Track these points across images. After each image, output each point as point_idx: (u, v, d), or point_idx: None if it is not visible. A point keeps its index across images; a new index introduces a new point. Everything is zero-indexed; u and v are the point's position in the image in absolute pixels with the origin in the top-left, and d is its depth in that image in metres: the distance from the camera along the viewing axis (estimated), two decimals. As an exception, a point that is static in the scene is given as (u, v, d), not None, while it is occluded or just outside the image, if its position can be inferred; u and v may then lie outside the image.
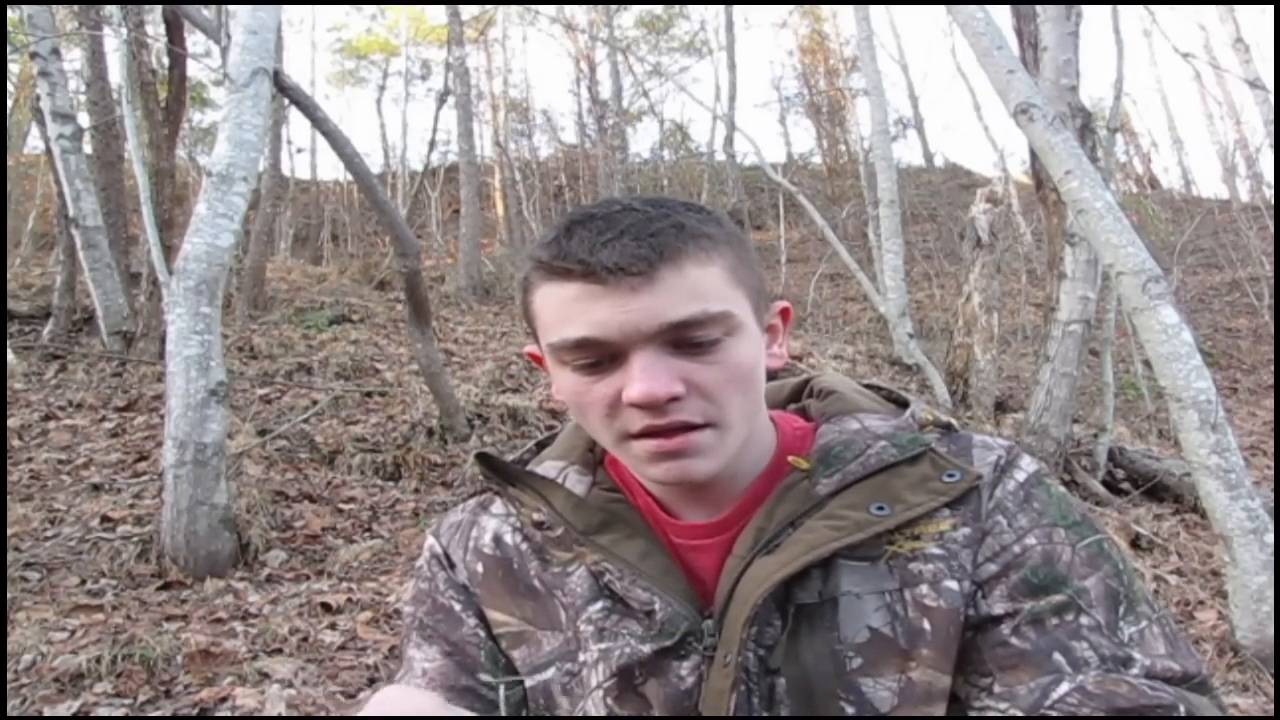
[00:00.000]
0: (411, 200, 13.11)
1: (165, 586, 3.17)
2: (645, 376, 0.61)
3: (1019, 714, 0.60)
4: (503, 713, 0.52)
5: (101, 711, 2.27)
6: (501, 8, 15.17)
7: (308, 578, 3.37)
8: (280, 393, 5.65)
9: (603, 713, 0.67)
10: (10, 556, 3.20)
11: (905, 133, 20.11)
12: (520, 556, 0.75)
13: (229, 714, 2.30)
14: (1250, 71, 11.13)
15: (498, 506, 0.78)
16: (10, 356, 5.64)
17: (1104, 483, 5.03)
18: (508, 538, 0.76)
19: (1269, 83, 10.35)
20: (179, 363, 3.34)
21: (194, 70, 11.31)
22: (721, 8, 15.28)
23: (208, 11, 5.80)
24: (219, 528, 3.33)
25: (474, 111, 12.89)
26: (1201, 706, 0.59)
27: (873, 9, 9.29)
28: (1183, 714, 0.58)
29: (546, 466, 0.77)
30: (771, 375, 0.76)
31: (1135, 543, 4.01)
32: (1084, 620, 0.62)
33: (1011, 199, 11.50)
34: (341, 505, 4.16)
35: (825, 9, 19.85)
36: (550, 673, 0.70)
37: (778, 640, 0.65)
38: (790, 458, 0.71)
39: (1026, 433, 5.02)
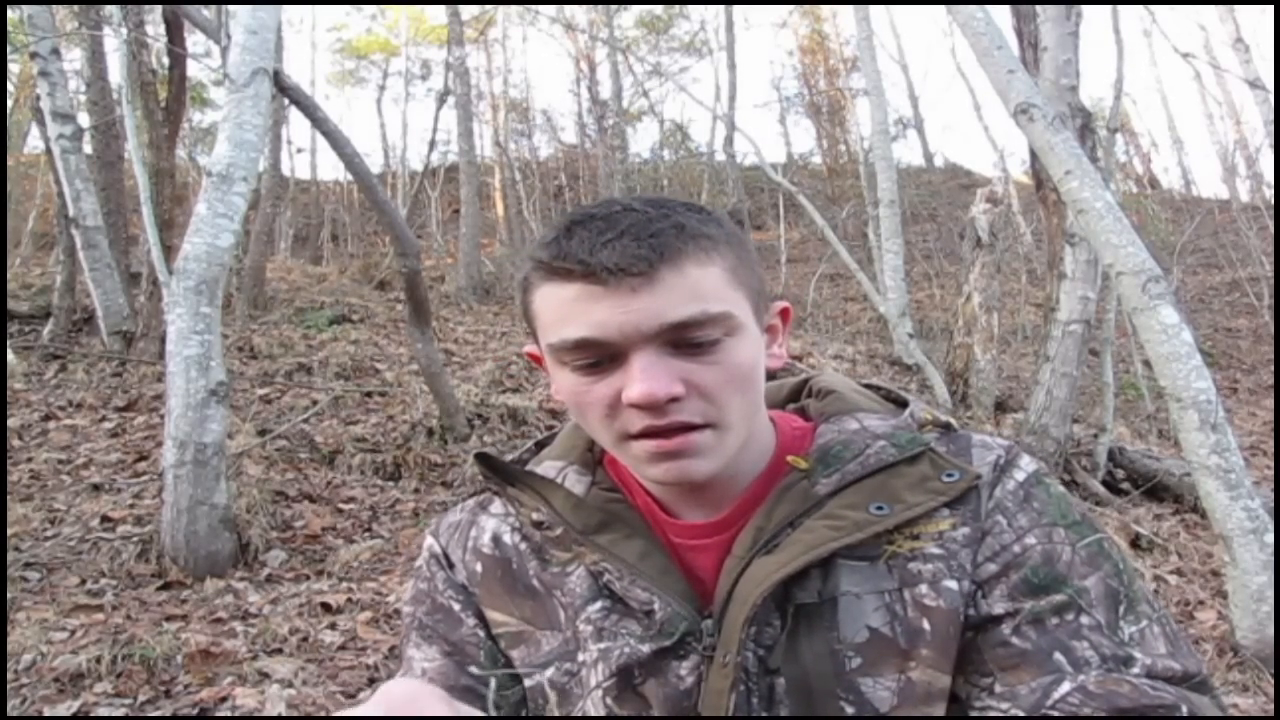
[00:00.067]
0: (411, 200, 13.11)
1: (165, 586, 3.17)
2: (645, 377, 0.61)
3: (1020, 714, 0.60)
4: (491, 707, 0.52)
5: (101, 711, 2.27)
6: (501, 8, 15.17)
7: (308, 578, 3.37)
8: (280, 393, 5.65)
9: (602, 712, 0.67)
10: (10, 556, 3.20)
11: (905, 133, 20.14)
12: (519, 556, 0.75)
13: (229, 714, 2.30)
14: (1250, 71, 11.12)
15: (497, 506, 0.78)
16: (10, 356, 5.64)
17: (1104, 483, 5.03)
18: (507, 537, 0.76)
19: (1269, 83, 10.35)
20: (179, 363, 3.34)
21: (194, 70, 11.33)
22: (721, 8, 15.27)
23: (208, 11, 5.79)
24: (219, 528, 3.33)
25: (474, 111, 12.89)
26: (1203, 706, 0.59)
27: (873, 9, 9.30)
28: (1185, 714, 0.57)
29: (546, 466, 0.77)
30: (771, 375, 0.76)
31: (1135, 543, 4.01)
32: (1084, 620, 0.62)
33: (1011, 199, 11.50)
34: (341, 505, 4.16)
35: (825, 9, 19.88)
36: (549, 672, 0.70)
37: (777, 640, 0.65)
38: (789, 457, 0.71)
39: (1026, 433, 5.02)
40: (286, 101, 5.19)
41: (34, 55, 6.12)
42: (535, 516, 0.73)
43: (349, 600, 3.12)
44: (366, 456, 4.70)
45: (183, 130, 9.93)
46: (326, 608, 3.04)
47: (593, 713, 0.68)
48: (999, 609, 0.64)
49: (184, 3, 5.31)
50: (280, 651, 2.67)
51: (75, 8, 7.73)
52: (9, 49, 7.59)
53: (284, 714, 2.29)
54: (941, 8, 12.89)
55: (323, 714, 2.32)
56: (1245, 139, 15.52)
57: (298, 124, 14.81)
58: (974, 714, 0.63)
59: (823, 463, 0.69)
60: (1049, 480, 0.70)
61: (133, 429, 4.84)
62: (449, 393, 5.03)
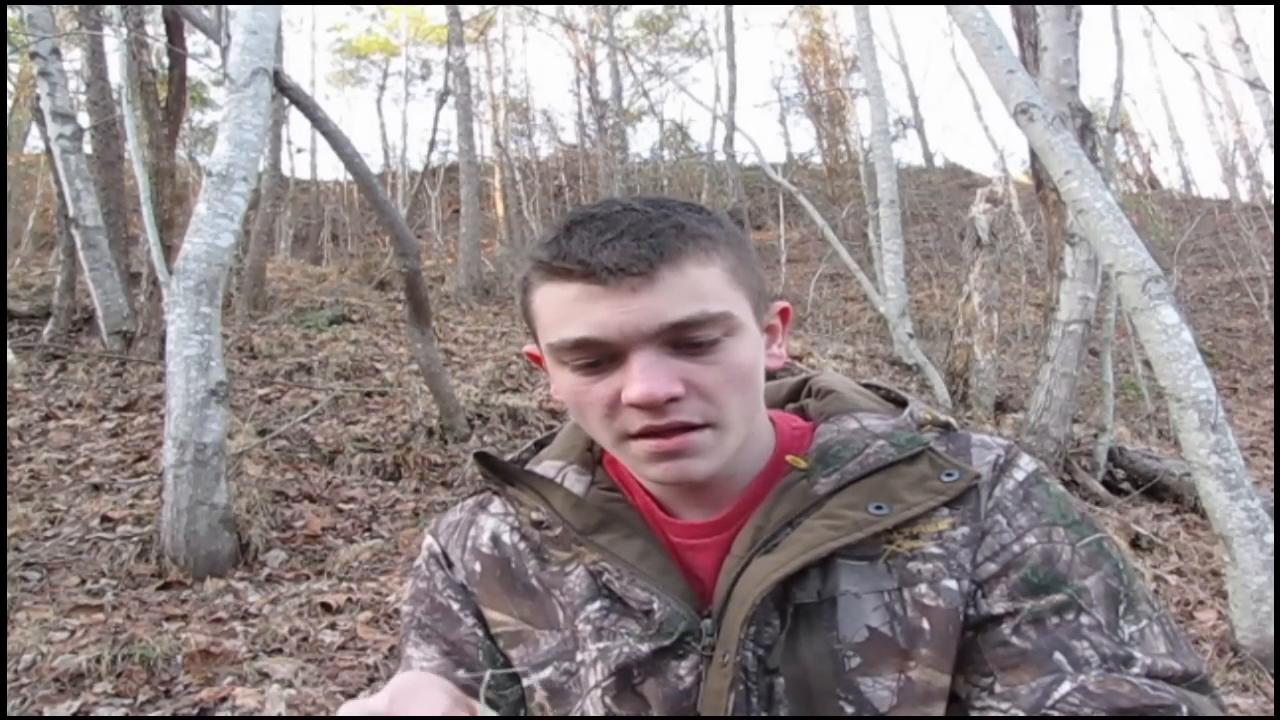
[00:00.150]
0: (411, 200, 13.11)
1: (165, 586, 3.17)
2: (645, 377, 0.61)
3: (1020, 714, 0.60)
4: (481, 700, 0.52)
5: (101, 711, 2.27)
6: (501, 8, 15.18)
7: (308, 578, 3.37)
8: (280, 393, 5.65)
9: (601, 712, 0.67)
10: (10, 556, 3.20)
11: (905, 133, 20.13)
12: (518, 556, 0.75)
13: (229, 714, 2.30)
14: (1250, 71, 11.12)
15: (496, 506, 0.79)
16: (10, 356, 5.64)
17: (1104, 483, 5.03)
18: (506, 537, 0.76)
19: (1269, 83, 10.35)
20: (179, 363, 3.34)
21: (194, 70, 11.33)
22: (721, 8, 15.27)
23: (208, 11, 5.79)
24: (219, 528, 3.34)
25: (474, 111, 12.89)
26: (1203, 706, 0.59)
27: (873, 9, 9.30)
28: (1185, 714, 0.57)
29: (545, 466, 0.77)
30: (771, 375, 0.76)
31: (1135, 543, 4.01)
32: (1084, 619, 0.62)
33: (1011, 199, 11.50)
34: (341, 505, 4.16)
35: (825, 9, 19.87)
36: (548, 672, 0.70)
37: (776, 640, 0.65)
38: (788, 457, 0.71)
39: (1026, 433, 5.02)
40: (286, 101, 5.19)
41: (34, 55, 6.12)
42: (535, 516, 0.73)
43: (349, 600, 3.12)
44: (366, 456, 4.70)
45: (183, 130, 9.93)
46: (326, 608, 3.04)
47: (591, 712, 0.68)
48: (999, 609, 0.64)
49: (184, 2, 5.31)
50: (280, 651, 2.67)
51: (75, 8, 7.73)
52: (9, 49, 7.59)
53: (284, 714, 2.29)
54: (941, 8, 12.90)
55: (323, 714, 2.32)
56: (1245, 139, 15.53)
57: (298, 124, 14.83)
58: (974, 714, 0.63)
59: (822, 462, 0.69)
60: (1048, 480, 0.70)
61: (133, 429, 4.84)
62: (449, 393, 5.03)
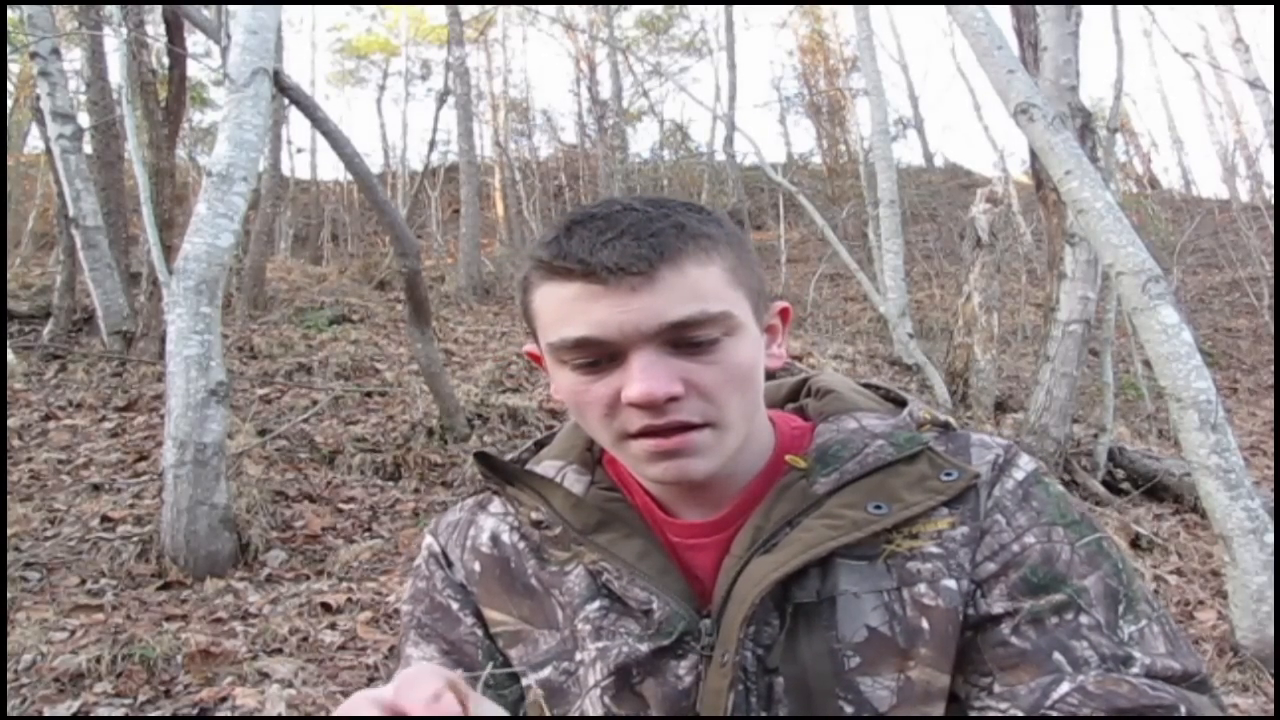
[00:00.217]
0: (411, 200, 13.11)
1: (165, 586, 3.17)
2: (644, 376, 0.61)
3: (1019, 714, 0.60)
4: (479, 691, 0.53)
5: (101, 711, 2.27)
6: (501, 8, 15.18)
7: (308, 578, 3.37)
8: (280, 393, 5.65)
9: (600, 712, 0.67)
10: (10, 556, 3.20)
11: (905, 133, 20.12)
12: (518, 555, 0.75)
13: (229, 714, 2.30)
14: (1250, 71, 11.12)
15: (496, 506, 0.79)
16: (10, 356, 5.64)
17: (1104, 483, 5.03)
18: (505, 537, 0.76)
19: (1269, 83, 10.35)
20: (179, 363, 3.34)
21: (194, 70, 11.33)
22: (721, 8, 15.28)
23: (208, 11, 5.80)
24: (219, 528, 3.34)
25: (474, 111, 12.89)
26: (1202, 706, 0.59)
27: (873, 9, 9.30)
28: (1184, 714, 0.57)
29: (545, 466, 0.77)
30: (770, 375, 0.76)
31: (1135, 543, 4.01)
32: (1084, 619, 0.62)
33: (1011, 199, 11.50)
34: (341, 505, 4.16)
35: (825, 9, 19.86)
36: (547, 671, 0.70)
37: (776, 639, 0.65)
38: (788, 457, 0.71)
39: (1026, 433, 5.02)
40: (286, 101, 5.19)
41: (34, 55, 6.12)
42: (534, 516, 0.73)
43: (349, 600, 3.12)
44: (366, 456, 4.70)
45: (183, 130, 9.93)
46: (326, 608, 3.04)
47: (591, 713, 0.68)
48: (998, 608, 0.64)
49: (184, 2, 5.31)
50: (280, 651, 2.67)
51: (75, 8, 7.73)
52: (9, 49, 7.59)
53: (284, 714, 2.29)
54: (941, 8, 12.90)
55: (323, 714, 2.32)
56: (1245, 139, 15.53)
57: (298, 124, 14.83)
58: (973, 714, 0.63)
59: (821, 462, 0.69)
60: (1048, 479, 0.70)
61: (133, 429, 4.84)
62: (449, 393, 5.03)
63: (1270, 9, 10.82)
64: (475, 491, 0.83)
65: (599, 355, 0.64)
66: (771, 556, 0.65)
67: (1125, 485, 5.07)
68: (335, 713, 0.48)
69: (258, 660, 2.57)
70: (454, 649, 0.74)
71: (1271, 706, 2.59)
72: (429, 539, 0.80)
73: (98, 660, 2.44)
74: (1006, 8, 5.46)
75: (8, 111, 10.36)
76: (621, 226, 0.63)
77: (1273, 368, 8.48)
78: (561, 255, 0.63)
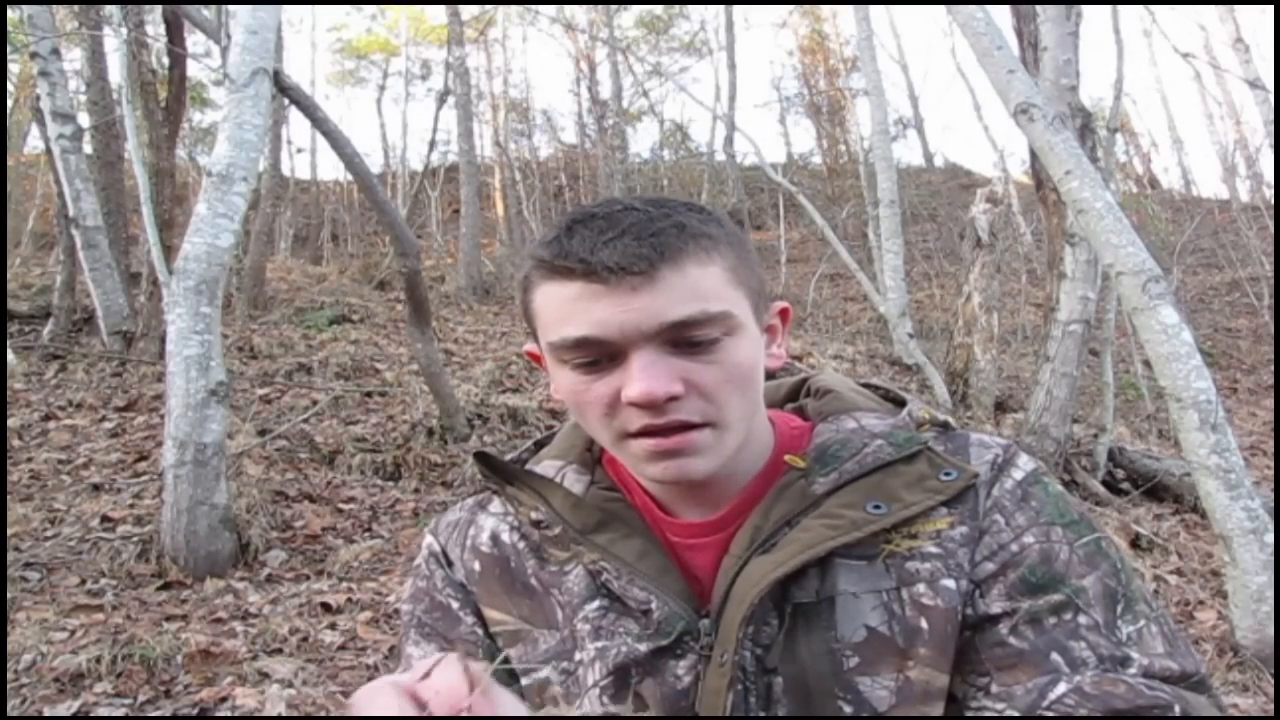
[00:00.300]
0: (411, 200, 13.11)
1: (165, 586, 3.17)
2: (644, 376, 0.61)
3: (1015, 714, 0.60)
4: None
5: (101, 711, 2.28)
6: (501, 8, 15.18)
7: (308, 578, 3.37)
8: (280, 393, 5.65)
9: (599, 712, 0.67)
10: (10, 556, 3.20)
11: (905, 133, 20.12)
12: (518, 555, 0.75)
13: (229, 714, 2.30)
14: (1250, 71, 11.13)
15: (496, 505, 0.79)
16: (10, 356, 5.64)
17: (1104, 483, 5.04)
18: (505, 536, 0.76)
19: (1269, 83, 10.35)
20: (179, 363, 3.34)
21: (194, 70, 11.33)
22: (721, 8, 15.29)
23: (208, 11, 5.80)
24: (219, 528, 3.34)
25: (474, 111, 12.89)
26: (1199, 705, 0.59)
27: (873, 9, 9.30)
28: (1178, 714, 0.57)
29: (545, 465, 0.77)
30: (770, 375, 0.76)
31: (1135, 543, 4.01)
32: (1082, 619, 0.62)
33: (1011, 199, 11.49)
34: (341, 505, 4.16)
35: (825, 9, 19.87)
36: (547, 671, 0.70)
37: (775, 639, 0.65)
38: (787, 456, 0.71)
39: (1026, 433, 5.02)
40: (286, 101, 5.19)
41: (34, 55, 6.12)
42: (534, 515, 0.74)
43: (349, 600, 3.12)
44: (366, 456, 4.70)
45: (183, 130, 9.93)
46: (326, 608, 3.04)
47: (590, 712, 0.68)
48: (996, 608, 0.64)
49: (184, 2, 5.31)
50: (280, 651, 2.67)
51: (75, 8, 7.73)
52: (9, 49, 7.59)
53: (284, 714, 2.29)
54: (941, 8, 12.90)
55: (323, 714, 2.32)
56: (1245, 139, 15.53)
57: (298, 124, 14.83)
58: (969, 714, 0.63)
59: (820, 462, 0.69)
60: (1047, 479, 0.70)
61: (133, 429, 4.84)
62: (449, 393, 5.03)
63: (1270, 9, 10.82)
64: (475, 491, 0.83)
65: (599, 355, 0.64)
66: (770, 556, 0.65)
67: (1125, 485, 5.08)
68: (358, 696, 0.48)
69: (258, 660, 2.57)
70: (454, 648, 0.74)
71: (1271, 706, 2.59)
72: (429, 538, 0.80)
73: (98, 660, 2.44)
74: (1006, 8, 5.46)
75: (8, 111, 10.36)
76: (622, 226, 0.63)
77: (1273, 368, 8.48)
78: (562, 255, 0.63)
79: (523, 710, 0.51)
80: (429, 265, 10.42)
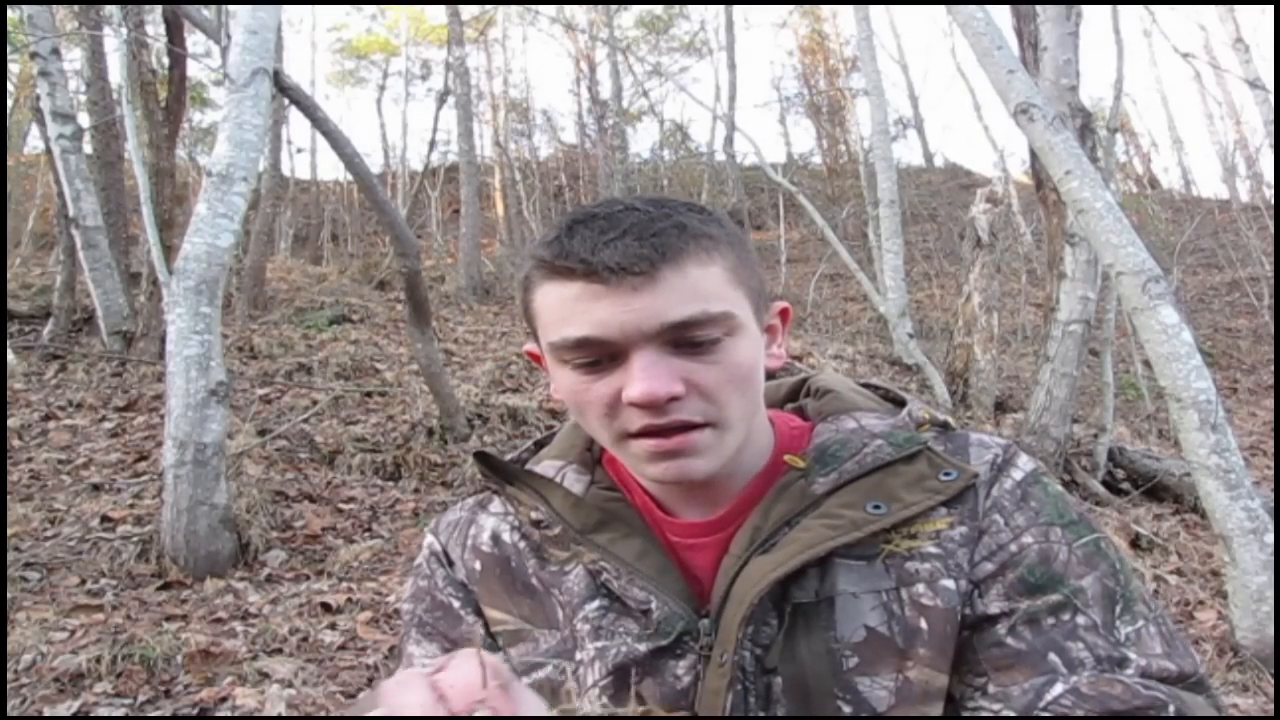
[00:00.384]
0: (411, 200, 13.11)
1: (165, 586, 3.17)
2: (646, 376, 0.61)
3: (1011, 715, 0.60)
4: None
5: (101, 711, 2.28)
6: (501, 8, 15.18)
7: (308, 578, 3.37)
8: (280, 393, 5.65)
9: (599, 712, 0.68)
10: (10, 556, 3.20)
11: (905, 133, 20.14)
12: (518, 555, 0.75)
13: (229, 714, 2.30)
14: (1250, 71, 11.13)
15: (496, 505, 0.79)
16: (10, 356, 5.64)
17: (1104, 483, 5.03)
18: (506, 536, 0.76)
19: (1269, 83, 10.35)
20: (179, 363, 3.34)
21: (194, 70, 11.32)
22: (721, 8, 15.30)
23: (208, 11, 5.79)
24: (219, 528, 3.34)
25: (474, 111, 12.89)
26: (1195, 705, 0.59)
27: (873, 9, 9.30)
28: (1172, 713, 0.57)
29: (545, 465, 0.78)
30: (770, 375, 0.77)
31: (1135, 543, 4.01)
32: (1080, 620, 0.62)
33: (1011, 199, 11.49)
34: (341, 505, 4.16)
35: (825, 9, 19.87)
36: (547, 670, 0.70)
37: (774, 639, 0.65)
38: (787, 456, 0.71)
39: (1026, 433, 5.02)
40: (286, 101, 5.19)
41: (34, 55, 6.12)
42: (534, 515, 0.74)
43: (349, 600, 3.12)
44: (366, 456, 4.70)
45: (183, 130, 9.93)
46: (326, 608, 3.04)
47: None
48: (995, 608, 0.64)
49: (184, 2, 5.31)
50: (280, 651, 2.67)
51: (75, 8, 7.73)
52: (9, 49, 7.59)
53: (284, 714, 2.29)
54: (941, 8, 12.90)
55: (323, 714, 2.32)
56: (1245, 139, 15.53)
57: (298, 124, 14.83)
58: (966, 714, 0.63)
59: (820, 462, 0.69)
60: (1047, 479, 0.70)
61: (133, 429, 4.84)
62: (449, 393, 5.03)
63: (1270, 9, 10.82)
64: (475, 491, 0.83)
65: (600, 355, 0.64)
66: (770, 556, 0.65)
67: (1125, 485, 5.07)
68: (387, 687, 0.48)
69: (258, 660, 2.57)
70: (456, 647, 0.74)
71: (1271, 706, 2.59)
72: (430, 538, 0.81)
73: (98, 660, 2.44)
74: (1006, 8, 5.46)
75: (8, 111, 10.36)
76: (623, 226, 0.63)
77: (1273, 368, 8.48)
78: (563, 255, 0.63)
79: (540, 705, 0.51)
80: (429, 265, 10.42)
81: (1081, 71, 4.78)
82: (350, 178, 7.20)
